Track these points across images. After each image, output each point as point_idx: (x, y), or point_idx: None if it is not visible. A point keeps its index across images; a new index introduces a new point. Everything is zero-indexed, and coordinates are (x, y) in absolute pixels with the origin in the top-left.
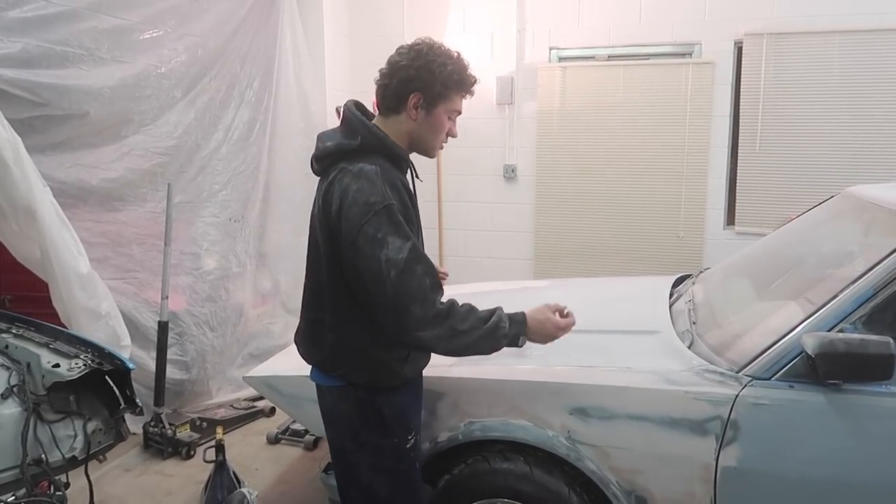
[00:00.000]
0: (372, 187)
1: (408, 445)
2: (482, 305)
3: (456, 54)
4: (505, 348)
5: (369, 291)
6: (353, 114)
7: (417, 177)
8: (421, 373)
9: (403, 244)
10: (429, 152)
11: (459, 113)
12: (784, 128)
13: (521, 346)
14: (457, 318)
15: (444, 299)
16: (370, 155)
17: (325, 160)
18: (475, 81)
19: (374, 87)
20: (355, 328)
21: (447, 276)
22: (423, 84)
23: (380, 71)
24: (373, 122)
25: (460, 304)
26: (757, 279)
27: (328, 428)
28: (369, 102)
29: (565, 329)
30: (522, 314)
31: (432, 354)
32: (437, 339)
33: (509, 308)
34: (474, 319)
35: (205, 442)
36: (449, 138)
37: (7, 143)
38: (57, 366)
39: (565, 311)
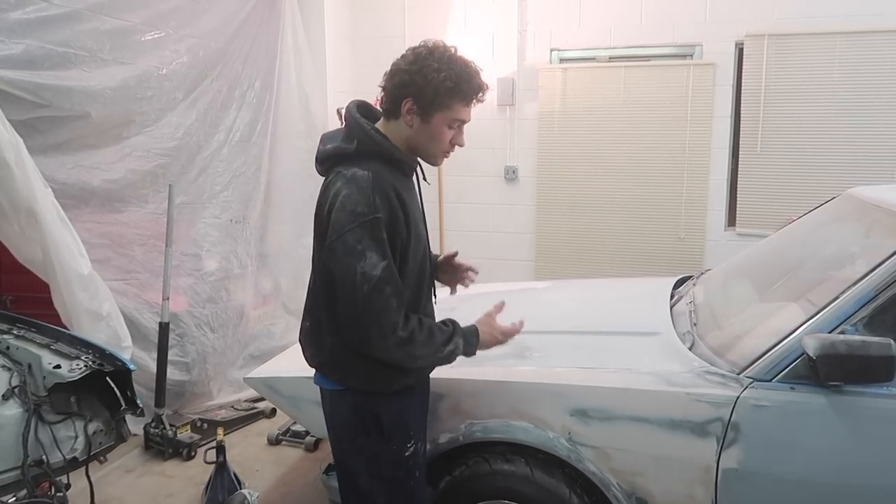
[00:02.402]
0: (361, 195)
1: (406, 453)
2: (483, 306)
3: (461, 60)
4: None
5: (340, 300)
6: (352, 117)
7: (424, 179)
8: (427, 378)
9: (380, 262)
10: (429, 160)
11: (465, 122)
12: (785, 129)
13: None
14: (415, 346)
15: (409, 320)
16: (367, 159)
17: (325, 163)
18: (480, 89)
19: (375, 89)
20: None
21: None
22: (416, 90)
23: (385, 72)
24: (376, 123)
25: (422, 326)
26: (758, 281)
27: (329, 432)
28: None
29: (510, 334)
30: (475, 332)
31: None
32: (393, 360)
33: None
34: (433, 347)
35: (205, 443)
36: (456, 147)
37: (9, 144)
38: (58, 367)
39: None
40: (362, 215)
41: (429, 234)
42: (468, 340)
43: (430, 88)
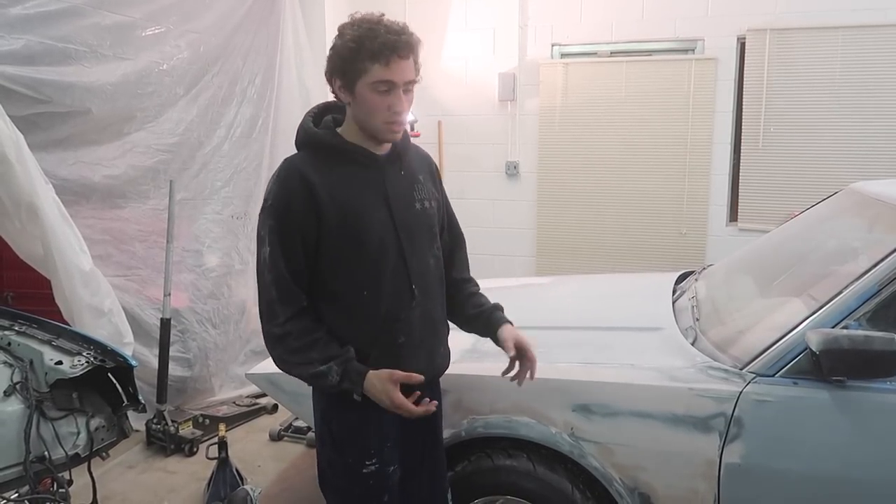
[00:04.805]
0: (271, 183)
1: (365, 470)
2: None
3: (371, 21)
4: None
5: None
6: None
7: (402, 170)
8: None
9: (266, 247)
10: (376, 135)
11: (391, 82)
12: (787, 124)
13: (357, 398)
14: (286, 350)
15: (295, 321)
16: (300, 149)
17: None
18: (388, 45)
19: None
20: None
21: None
22: (332, 64)
23: None
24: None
25: (306, 334)
26: (760, 276)
27: None
28: None
29: (402, 409)
30: (363, 374)
31: (433, 372)
32: (276, 359)
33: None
34: (302, 358)
35: (207, 439)
36: (396, 113)
37: (9, 140)
38: (60, 363)
39: (417, 398)
40: (265, 202)
41: (418, 228)
42: (350, 377)
43: (338, 56)
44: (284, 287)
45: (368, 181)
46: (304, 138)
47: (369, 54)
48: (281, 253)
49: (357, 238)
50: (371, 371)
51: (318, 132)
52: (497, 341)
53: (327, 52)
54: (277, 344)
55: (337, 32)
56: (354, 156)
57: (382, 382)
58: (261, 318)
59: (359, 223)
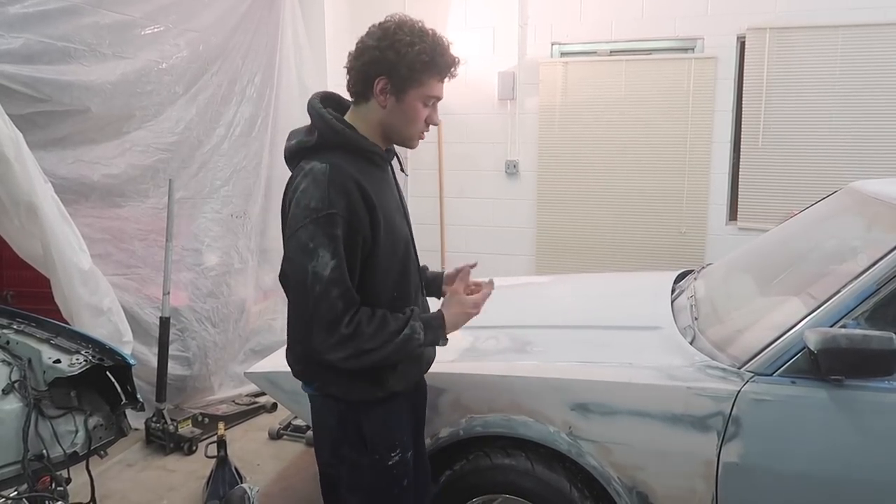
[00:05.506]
0: (316, 189)
1: (390, 462)
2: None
3: (430, 32)
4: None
5: (290, 301)
6: (313, 107)
7: (403, 170)
8: (418, 383)
9: (330, 261)
10: (406, 142)
11: (439, 98)
12: (786, 123)
13: (443, 346)
14: (363, 338)
15: (357, 313)
16: (328, 151)
17: (291, 160)
18: (454, 62)
19: None
20: None
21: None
22: (388, 67)
23: (348, 53)
24: (348, 112)
25: (372, 318)
26: (759, 275)
27: (314, 439)
28: None
29: (481, 302)
30: (440, 317)
31: (433, 359)
32: (343, 360)
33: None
34: (385, 335)
35: (206, 438)
36: (430, 126)
37: (8, 139)
38: (58, 361)
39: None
40: (315, 211)
41: (411, 226)
42: (430, 324)
43: (405, 63)
44: (349, 299)
45: (386, 182)
46: (338, 139)
47: (438, 69)
48: (346, 265)
49: (392, 241)
50: (442, 310)
51: (353, 134)
52: (441, 285)
53: (370, 49)
54: (350, 341)
55: (387, 32)
56: (376, 157)
57: (455, 305)
58: (313, 331)
59: (393, 226)
